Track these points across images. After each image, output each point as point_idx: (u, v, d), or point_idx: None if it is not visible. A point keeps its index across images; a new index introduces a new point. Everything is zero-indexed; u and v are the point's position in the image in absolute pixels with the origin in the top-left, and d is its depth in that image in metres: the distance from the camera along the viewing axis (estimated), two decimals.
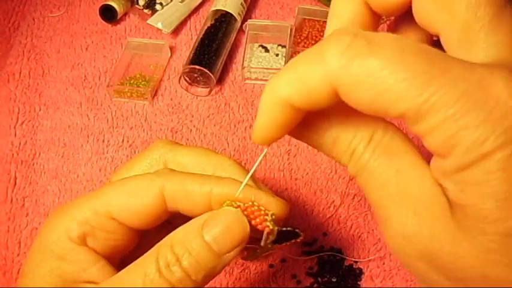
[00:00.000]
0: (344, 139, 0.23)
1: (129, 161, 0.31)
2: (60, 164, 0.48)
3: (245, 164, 0.47)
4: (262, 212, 0.26)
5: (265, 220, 0.26)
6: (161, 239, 0.27)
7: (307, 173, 0.47)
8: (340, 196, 0.45)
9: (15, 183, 0.46)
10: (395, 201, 0.21)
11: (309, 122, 0.23)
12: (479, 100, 0.17)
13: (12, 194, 0.45)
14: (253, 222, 0.27)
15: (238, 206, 0.26)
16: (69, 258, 0.25)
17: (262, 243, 0.28)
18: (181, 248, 0.25)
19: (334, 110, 0.23)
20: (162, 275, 0.24)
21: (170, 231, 0.26)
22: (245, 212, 0.26)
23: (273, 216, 0.27)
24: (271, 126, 0.22)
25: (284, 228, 0.29)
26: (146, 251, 0.26)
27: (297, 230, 0.33)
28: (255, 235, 0.28)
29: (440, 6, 0.21)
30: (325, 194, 0.46)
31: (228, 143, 0.49)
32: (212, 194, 0.26)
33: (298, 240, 0.31)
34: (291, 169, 0.47)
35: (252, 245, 0.29)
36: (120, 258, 0.28)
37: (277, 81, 0.21)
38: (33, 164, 0.48)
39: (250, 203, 0.26)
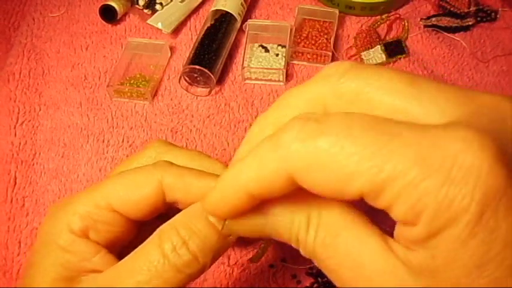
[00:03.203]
0: (283, 227, 0.22)
1: (127, 159, 0.32)
2: (60, 164, 0.48)
3: None
4: None
5: None
6: (158, 225, 0.27)
7: None
8: None
9: (15, 183, 0.46)
10: (353, 279, 0.20)
11: (243, 216, 0.23)
12: (436, 162, 0.17)
13: (12, 194, 0.45)
14: None
15: None
16: (71, 249, 0.26)
17: None
18: (187, 230, 0.25)
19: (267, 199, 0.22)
20: (168, 259, 0.24)
21: (166, 219, 0.27)
22: None
23: None
24: (224, 208, 0.22)
25: None
26: (144, 239, 0.26)
27: None
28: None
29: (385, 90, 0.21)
30: None
31: (228, 143, 0.49)
32: (210, 187, 0.27)
33: None
34: None
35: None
36: (120, 248, 0.29)
37: (239, 168, 0.21)
38: (33, 164, 0.48)
39: None
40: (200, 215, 0.25)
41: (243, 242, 0.43)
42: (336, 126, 0.18)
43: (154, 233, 0.25)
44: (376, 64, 0.54)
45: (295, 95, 0.23)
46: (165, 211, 0.28)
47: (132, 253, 0.25)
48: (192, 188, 0.27)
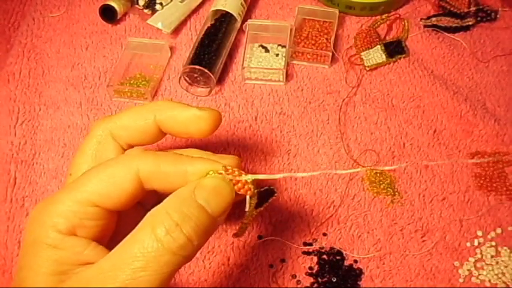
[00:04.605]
0: None
1: (79, 149, 0.32)
2: (60, 164, 0.48)
3: (244, 163, 0.47)
4: (243, 176, 0.28)
5: (247, 183, 0.28)
6: (134, 211, 0.29)
7: None
8: (340, 196, 0.45)
9: (15, 183, 0.46)
10: None
11: None
12: None
13: (12, 194, 0.45)
14: (235, 187, 0.28)
15: (221, 174, 0.28)
16: (62, 246, 0.26)
17: (246, 209, 0.30)
18: (180, 214, 0.25)
19: None
20: (162, 243, 0.24)
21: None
22: (228, 177, 0.28)
23: (252, 179, 0.28)
24: None
25: (262, 189, 0.32)
26: (124, 225, 0.28)
27: (272, 188, 0.37)
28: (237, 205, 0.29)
29: None
30: (325, 194, 0.45)
31: (228, 143, 0.49)
32: (188, 173, 0.28)
33: (274, 197, 0.34)
34: (291, 169, 0.47)
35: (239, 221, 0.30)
36: (108, 239, 0.29)
37: None
38: (33, 164, 0.48)
39: (230, 170, 0.28)
40: (190, 198, 0.26)
41: (239, 240, 0.43)
42: None
43: (144, 218, 0.26)
44: (376, 64, 0.54)
45: None
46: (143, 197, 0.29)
47: (124, 241, 0.25)
48: (169, 176, 0.28)
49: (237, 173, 0.28)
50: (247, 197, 0.29)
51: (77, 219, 0.26)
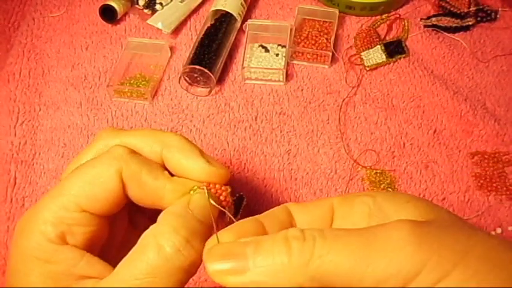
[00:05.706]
0: None
1: (77, 157, 0.31)
2: (60, 164, 0.48)
3: (244, 164, 0.47)
4: (223, 188, 0.30)
5: (228, 195, 0.30)
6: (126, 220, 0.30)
7: (307, 173, 0.47)
8: None
9: (15, 183, 0.46)
10: None
11: None
12: None
13: (12, 194, 0.45)
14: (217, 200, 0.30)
15: (203, 189, 0.29)
16: (54, 259, 0.25)
17: (228, 219, 0.31)
18: (187, 229, 0.25)
19: None
20: (173, 262, 0.24)
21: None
22: (212, 191, 0.29)
23: (230, 189, 0.30)
24: None
25: (234, 198, 0.33)
26: (115, 234, 0.28)
27: (241, 194, 0.39)
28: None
29: None
30: (325, 194, 0.45)
31: (228, 143, 0.49)
32: (165, 190, 0.28)
33: (244, 203, 0.36)
34: (291, 169, 0.47)
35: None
36: (99, 248, 0.28)
37: None
38: (33, 164, 0.47)
39: (211, 185, 0.29)
40: (189, 214, 0.26)
41: None
42: None
43: (144, 237, 0.25)
44: (376, 64, 0.54)
45: None
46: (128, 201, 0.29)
47: (127, 259, 0.25)
48: (146, 187, 0.27)
49: (217, 186, 0.29)
50: (227, 208, 0.30)
51: (64, 226, 0.26)
